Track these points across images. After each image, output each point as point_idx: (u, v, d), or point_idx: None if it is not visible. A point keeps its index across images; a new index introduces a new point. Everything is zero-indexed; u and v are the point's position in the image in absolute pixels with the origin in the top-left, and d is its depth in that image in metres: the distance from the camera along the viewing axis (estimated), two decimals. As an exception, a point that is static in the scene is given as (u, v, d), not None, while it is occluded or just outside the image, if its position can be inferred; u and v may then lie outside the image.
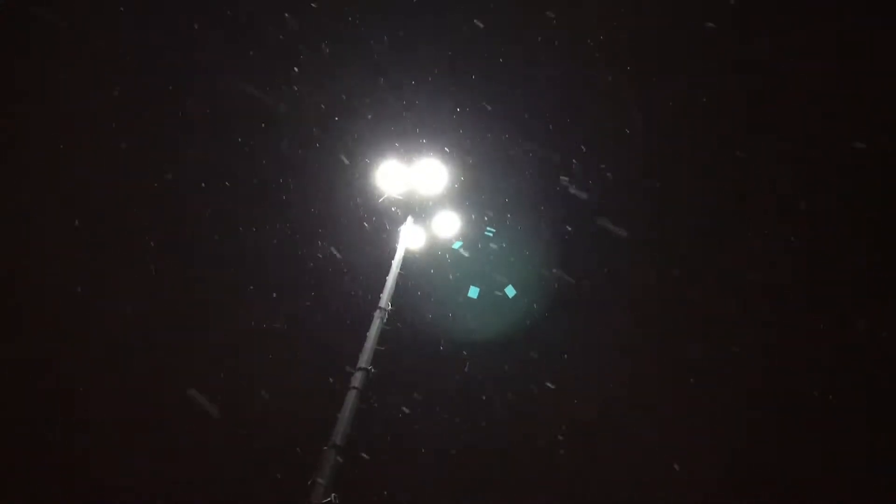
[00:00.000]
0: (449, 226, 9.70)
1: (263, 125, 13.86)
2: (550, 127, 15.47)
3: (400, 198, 9.58)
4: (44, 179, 13.04)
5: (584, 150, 15.52)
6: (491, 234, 11.52)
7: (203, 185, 13.72)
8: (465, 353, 13.61)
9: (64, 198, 13.16)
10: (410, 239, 9.29)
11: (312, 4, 13.96)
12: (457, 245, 10.08)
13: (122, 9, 13.52)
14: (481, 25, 14.39)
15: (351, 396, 7.08)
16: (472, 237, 10.72)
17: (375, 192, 9.63)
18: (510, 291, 11.25)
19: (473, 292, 10.56)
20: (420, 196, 9.57)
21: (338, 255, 12.19)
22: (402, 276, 8.78)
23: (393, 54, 14.26)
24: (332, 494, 6.01)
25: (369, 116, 13.59)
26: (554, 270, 14.56)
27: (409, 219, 9.46)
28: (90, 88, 13.45)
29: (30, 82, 13.13)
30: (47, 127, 13.07)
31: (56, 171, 13.08)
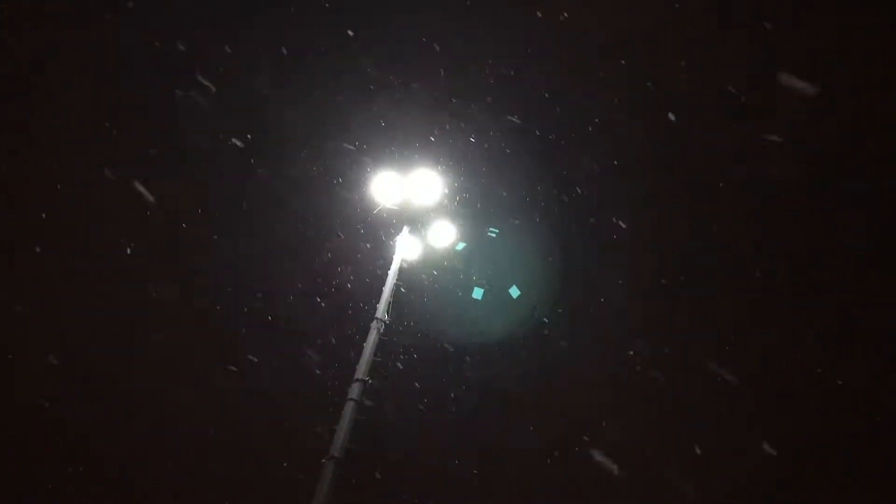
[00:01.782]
0: (445, 236, 9.72)
1: (256, 135, 13.90)
2: (548, 133, 15.54)
3: (395, 208, 9.61)
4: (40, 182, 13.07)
5: (582, 150, 15.61)
6: (494, 235, 11.49)
7: (197, 195, 13.75)
8: (467, 358, 13.54)
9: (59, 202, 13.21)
10: (406, 249, 9.31)
11: (307, 15, 14.03)
12: (460, 246, 10.07)
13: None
14: (476, 33, 14.49)
15: (349, 408, 7.09)
16: (470, 244, 10.74)
17: (371, 203, 9.66)
18: (514, 292, 11.22)
19: (477, 293, 10.54)
20: (415, 206, 9.59)
21: (333, 266, 12.21)
22: (398, 285, 8.80)
23: (386, 64, 14.33)
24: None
25: (365, 125, 13.64)
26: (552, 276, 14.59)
27: (405, 229, 9.48)
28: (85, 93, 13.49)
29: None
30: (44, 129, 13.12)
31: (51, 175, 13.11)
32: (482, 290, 10.57)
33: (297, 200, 13.66)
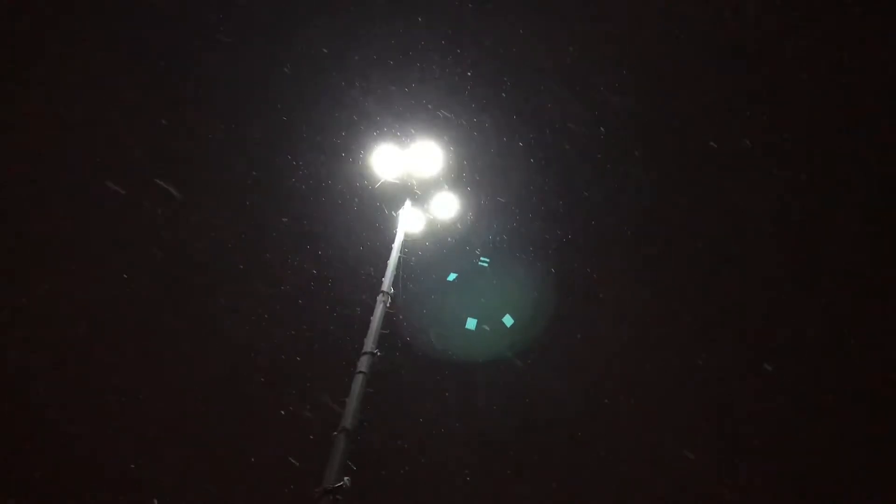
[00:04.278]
0: (447, 207, 9.66)
1: (257, 112, 13.77)
2: (547, 109, 15.33)
3: (396, 182, 9.54)
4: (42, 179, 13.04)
5: (579, 136, 15.45)
6: (486, 265, 11.50)
7: (197, 177, 13.68)
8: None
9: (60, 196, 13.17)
10: (409, 222, 9.27)
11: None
12: (451, 277, 10.11)
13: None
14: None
15: (358, 381, 7.11)
16: (461, 274, 10.72)
17: (372, 177, 9.58)
18: (508, 321, 11.20)
19: (471, 323, 10.53)
20: (417, 178, 9.51)
21: (337, 242, 12.18)
22: (403, 258, 8.78)
23: (386, 37, 14.11)
24: (345, 478, 6.04)
25: (365, 102, 13.48)
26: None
27: (408, 202, 9.43)
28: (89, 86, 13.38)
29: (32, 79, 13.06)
30: (49, 124, 13.05)
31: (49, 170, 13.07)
32: (476, 321, 10.59)
33: (299, 176, 13.57)
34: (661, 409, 15.83)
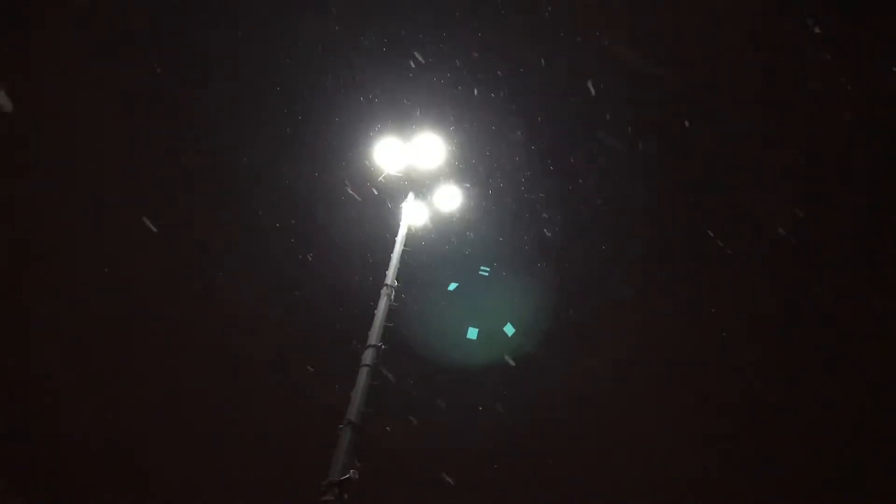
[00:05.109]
0: (450, 199, 9.56)
1: (256, 109, 13.69)
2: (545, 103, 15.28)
3: (399, 175, 9.44)
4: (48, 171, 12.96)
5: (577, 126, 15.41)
6: (486, 273, 11.45)
7: (200, 170, 13.60)
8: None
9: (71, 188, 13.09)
10: (413, 215, 9.17)
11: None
12: (452, 287, 10.04)
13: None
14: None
15: (363, 374, 7.02)
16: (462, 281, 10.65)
17: (374, 170, 9.49)
18: (509, 330, 11.14)
19: (472, 333, 10.45)
20: (419, 171, 9.41)
21: (340, 236, 12.10)
22: (407, 252, 8.69)
23: (387, 30, 14.03)
24: (352, 470, 5.96)
25: (369, 97, 13.40)
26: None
27: (410, 195, 9.33)
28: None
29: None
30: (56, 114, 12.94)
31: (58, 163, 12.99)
32: (477, 331, 10.53)
33: (301, 171, 13.50)
34: (661, 410, 15.84)
